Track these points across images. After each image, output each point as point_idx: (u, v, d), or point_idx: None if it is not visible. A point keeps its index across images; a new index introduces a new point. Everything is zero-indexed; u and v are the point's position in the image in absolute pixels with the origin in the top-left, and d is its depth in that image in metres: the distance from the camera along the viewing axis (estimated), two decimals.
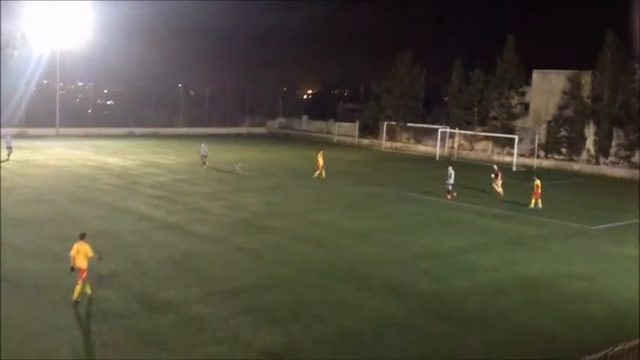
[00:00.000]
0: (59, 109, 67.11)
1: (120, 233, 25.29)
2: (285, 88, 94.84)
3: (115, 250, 22.68)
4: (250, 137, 76.74)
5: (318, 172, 42.53)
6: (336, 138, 75.55)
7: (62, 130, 66.70)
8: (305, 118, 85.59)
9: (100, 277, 19.21)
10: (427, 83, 73.28)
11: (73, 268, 17.62)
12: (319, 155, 42.98)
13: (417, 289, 20.19)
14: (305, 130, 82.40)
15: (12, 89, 62.71)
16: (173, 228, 26.94)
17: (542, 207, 34.29)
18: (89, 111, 75.48)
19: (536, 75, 64.58)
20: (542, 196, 34.73)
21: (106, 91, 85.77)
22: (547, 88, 63.15)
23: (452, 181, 36.57)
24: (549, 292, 20.68)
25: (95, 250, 18.00)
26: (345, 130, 76.17)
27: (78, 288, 17.37)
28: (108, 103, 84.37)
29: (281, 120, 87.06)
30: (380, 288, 20.24)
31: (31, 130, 64.12)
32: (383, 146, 69.61)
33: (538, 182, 34.93)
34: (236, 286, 19.60)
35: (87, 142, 60.12)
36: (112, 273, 20.04)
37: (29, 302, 17.50)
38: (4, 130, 51.70)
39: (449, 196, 36.35)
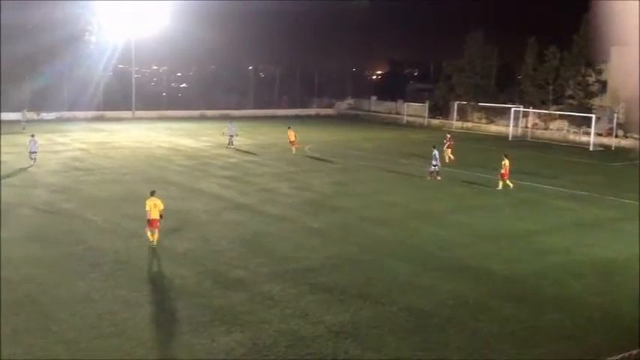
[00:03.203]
0: (135, 93, 69.05)
1: (193, 212, 25.89)
2: (354, 69, 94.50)
3: (188, 229, 23.33)
4: (319, 118, 76.96)
5: (294, 147, 44.26)
6: (405, 119, 74.91)
7: (138, 113, 68.64)
8: (374, 98, 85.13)
9: (173, 255, 20.00)
10: (499, 61, 71.70)
11: (149, 221, 20.74)
12: (289, 132, 44.50)
13: (488, 271, 19.90)
14: (374, 111, 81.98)
15: (90, 74, 64.93)
16: (243, 208, 27.39)
17: (606, 188, 33.02)
18: (163, 94, 77.21)
19: (614, 51, 62.10)
20: (620, 178, 33.49)
21: (179, 74, 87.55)
22: (626, 65, 60.64)
23: (435, 162, 35.46)
24: (626, 275, 20.05)
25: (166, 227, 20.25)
26: (415, 111, 75.35)
27: (155, 236, 20.86)
28: (181, 86, 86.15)
29: (350, 101, 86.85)
30: (450, 269, 20.05)
31: (109, 113, 66.42)
32: (454, 126, 68.49)
33: (506, 162, 33.38)
34: (305, 265, 19.80)
35: (161, 125, 61.68)
36: (186, 251, 20.61)
37: (107, 278, 18.16)
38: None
39: (436, 177, 35.16)
